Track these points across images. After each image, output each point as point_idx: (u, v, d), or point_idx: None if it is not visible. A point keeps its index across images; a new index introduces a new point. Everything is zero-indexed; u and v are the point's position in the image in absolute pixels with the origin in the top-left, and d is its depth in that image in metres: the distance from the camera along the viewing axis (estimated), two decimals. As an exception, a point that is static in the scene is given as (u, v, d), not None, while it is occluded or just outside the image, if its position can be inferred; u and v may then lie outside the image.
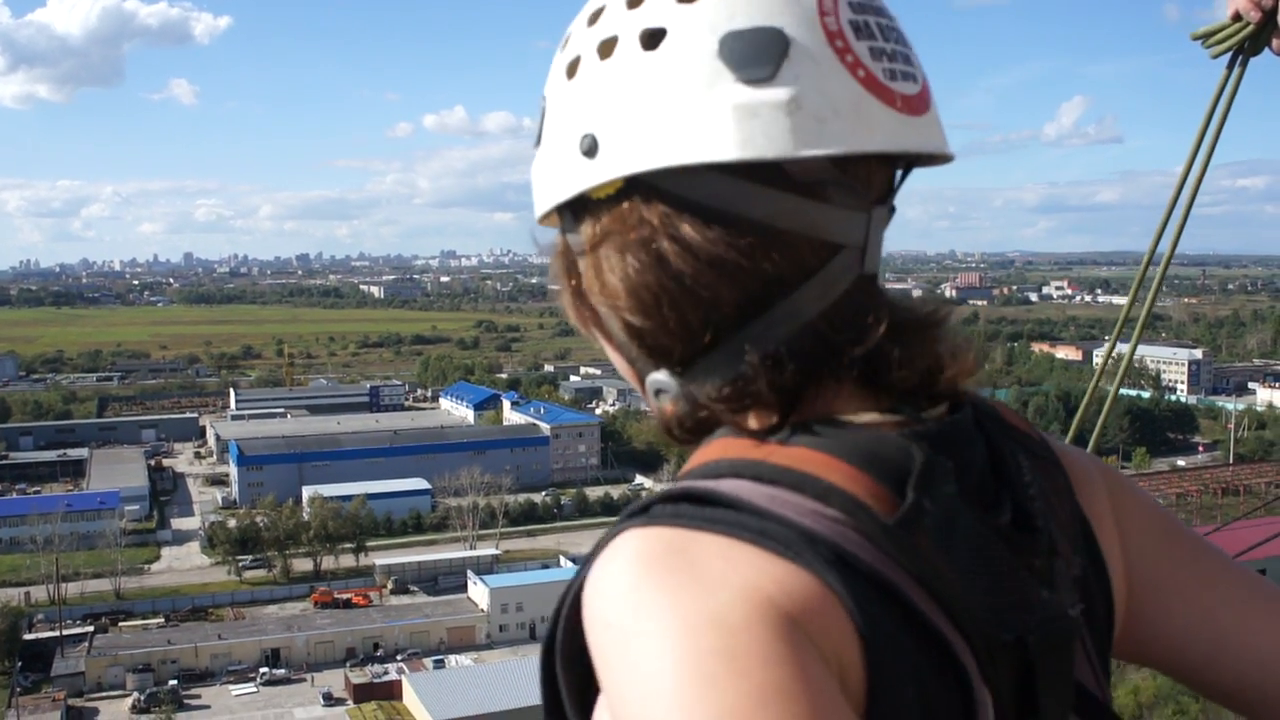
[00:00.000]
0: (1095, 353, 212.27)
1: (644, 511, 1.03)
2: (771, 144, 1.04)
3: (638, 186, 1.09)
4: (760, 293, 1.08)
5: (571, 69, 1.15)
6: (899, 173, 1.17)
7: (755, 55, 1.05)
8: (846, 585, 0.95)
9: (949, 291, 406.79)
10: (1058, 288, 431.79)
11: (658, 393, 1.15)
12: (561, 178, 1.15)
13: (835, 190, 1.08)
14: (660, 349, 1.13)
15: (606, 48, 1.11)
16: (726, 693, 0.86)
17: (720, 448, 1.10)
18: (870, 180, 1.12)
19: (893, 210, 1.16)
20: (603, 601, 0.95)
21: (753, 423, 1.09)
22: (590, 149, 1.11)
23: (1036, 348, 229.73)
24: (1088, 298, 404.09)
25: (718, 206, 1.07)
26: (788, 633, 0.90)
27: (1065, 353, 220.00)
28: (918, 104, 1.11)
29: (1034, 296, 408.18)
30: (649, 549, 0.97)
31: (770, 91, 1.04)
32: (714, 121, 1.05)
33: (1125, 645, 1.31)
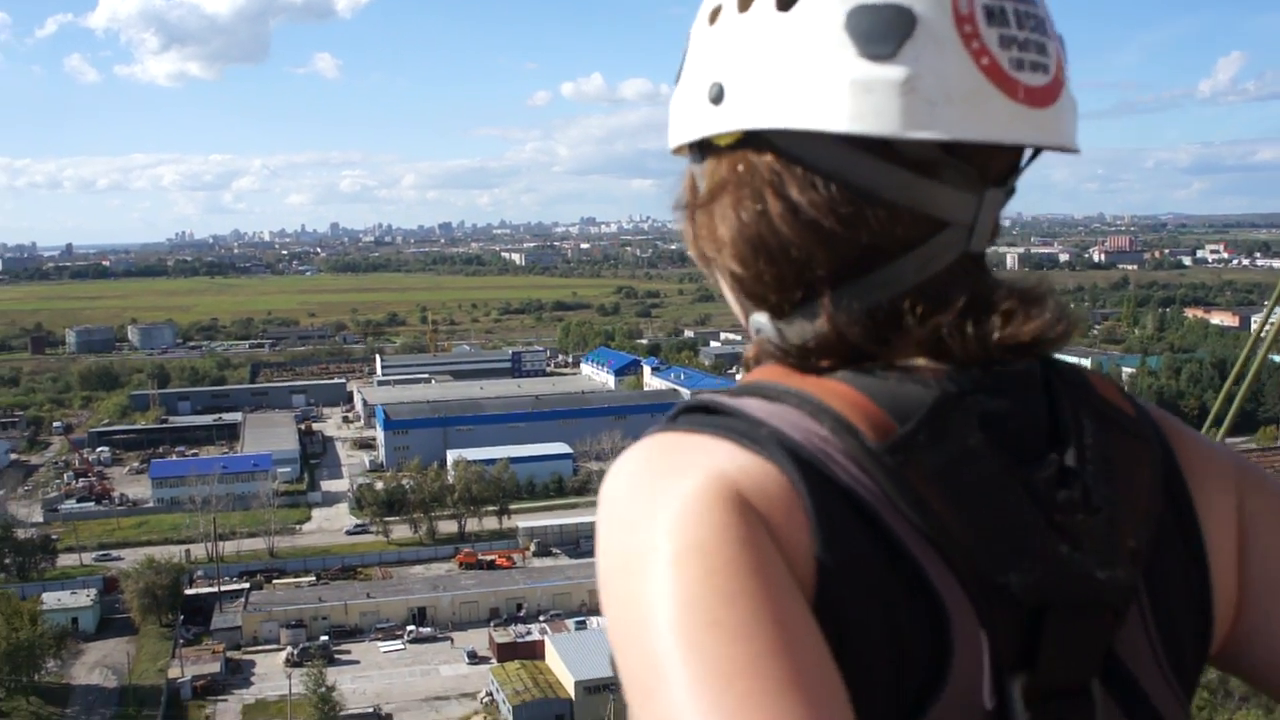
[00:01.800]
0: (1253, 319, 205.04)
1: (671, 419, 1.12)
2: (880, 122, 1.07)
3: (754, 140, 1.14)
4: (855, 258, 1.12)
5: (714, 15, 1.19)
6: (1027, 155, 1.19)
7: (880, 31, 1.07)
8: (812, 488, 1.02)
9: (1097, 255, 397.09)
10: (1213, 251, 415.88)
11: (757, 331, 1.21)
12: (691, 118, 1.20)
13: (946, 169, 1.11)
14: (757, 296, 1.20)
15: (745, 1, 1.15)
16: (676, 545, 0.97)
17: (760, 373, 1.18)
18: (988, 163, 1.13)
19: (1011, 193, 1.18)
20: (606, 488, 1.07)
21: (825, 364, 1.14)
22: (717, 97, 1.15)
23: (1190, 313, 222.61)
24: (1245, 261, 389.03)
25: (825, 171, 1.10)
26: (738, 508, 0.99)
27: (1221, 318, 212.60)
28: (1043, 96, 1.12)
29: (1188, 260, 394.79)
30: (651, 446, 1.08)
31: (888, 69, 1.07)
32: (831, 92, 1.08)
33: (1228, 653, 1.26)
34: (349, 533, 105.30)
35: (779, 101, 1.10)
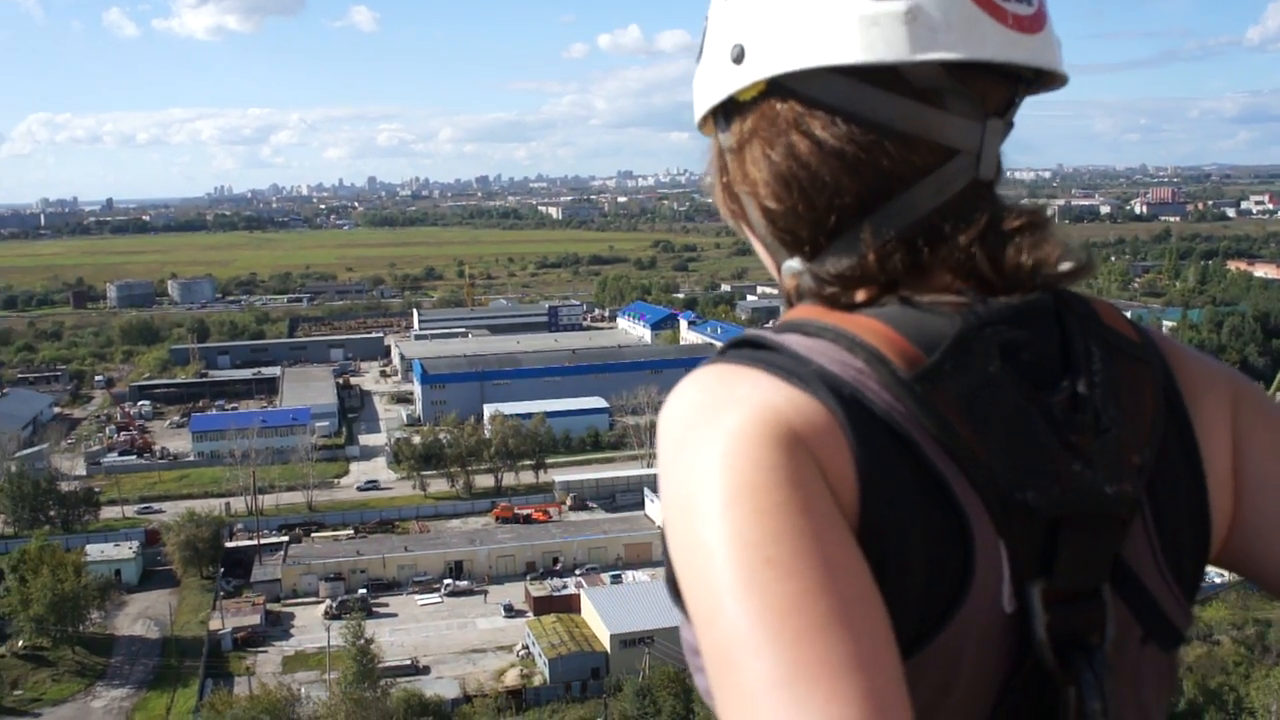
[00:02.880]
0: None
1: (721, 353, 1.22)
2: (889, 49, 1.19)
3: (777, 89, 1.26)
4: (878, 186, 1.23)
5: None
6: (1019, 93, 1.30)
7: None
8: (851, 419, 1.12)
9: (1139, 208, 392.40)
10: (1258, 202, 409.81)
11: (790, 273, 1.31)
12: (714, 83, 1.32)
13: (952, 99, 1.23)
14: (791, 234, 1.30)
15: None
16: (730, 486, 1.05)
17: (799, 311, 1.28)
18: (986, 94, 1.25)
19: (1010, 125, 1.28)
20: (664, 422, 1.17)
21: (860, 298, 1.25)
22: (739, 56, 1.27)
23: (1233, 265, 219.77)
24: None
25: (844, 107, 1.22)
26: (788, 444, 1.08)
27: (1265, 271, 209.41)
28: (1030, 23, 1.25)
29: (1231, 212, 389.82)
30: (705, 378, 1.17)
31: (891, 3, 1.20)
32: (842, 28, 1.20)
33: (1228, 555, 1.37)
34: (360, 489, 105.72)
35: (795, 46, 1.22)
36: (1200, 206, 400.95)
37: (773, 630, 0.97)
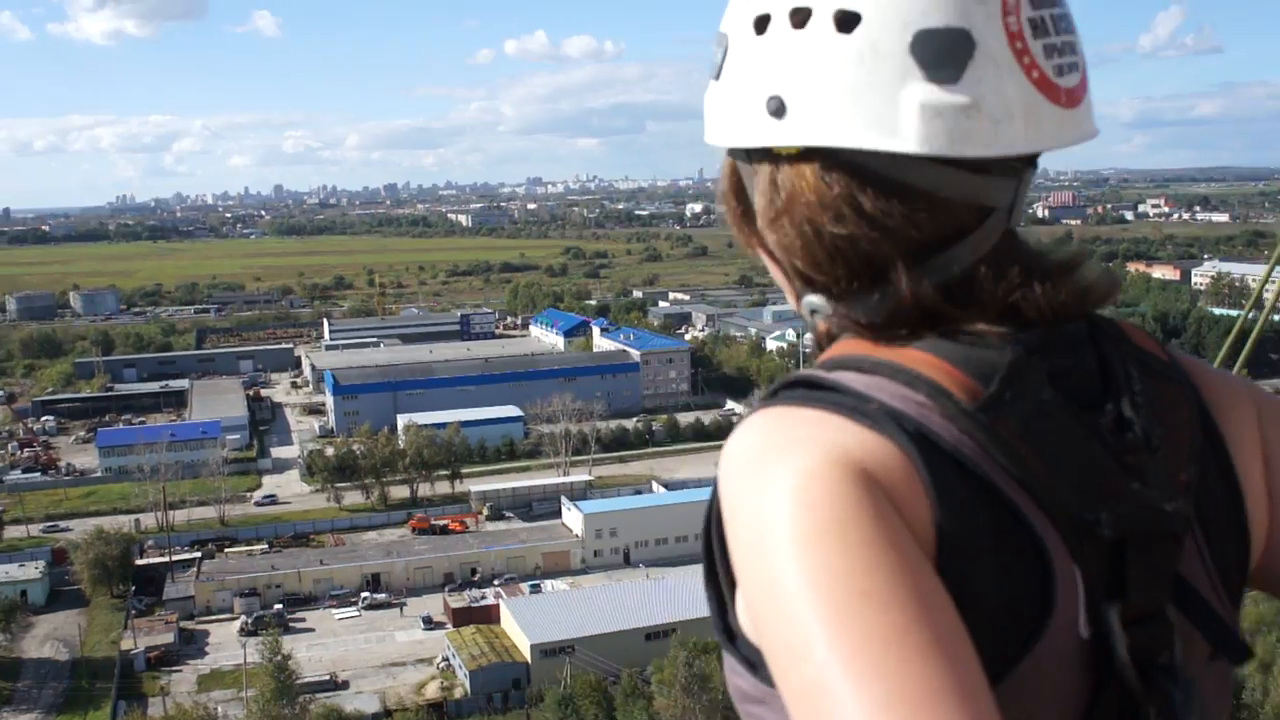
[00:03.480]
0: (1194, 272, 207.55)
1: (772, 395, 1.21)
2: (950, 144, 1.16)
3: (819, 152, 1.21)
4: (920, 250, 1.22)
5: (760, 25, 1.24)
6: None
7: (944, 56, 1.15)
8: (923, 456, 1.11)
9: (1041, 211, 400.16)
10: (1154, 205, 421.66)
11: (812, 312, 1.31)
12: (746, 127, 1.26)
13: (995, 164, 1.20)
14: (824, 288, 1.29)
15: (799, 17, 1.20)
16: (812, 523, 1.05)
17: (844, 347, 1.27)
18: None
19: (1036, 166, 1.28)
20: (726, 467, 1.14)
21: (900, 333, 1.24)
22: (778, 111, 1.21)
23: (1132, 267, 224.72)
24: (1186, 215, 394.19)
25: (892, 178, 1.19)
26: (864, 484, 1.07)
27: (1162, 272, 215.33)
28: (1077, 95, 1.22)
29: (1130, 215, 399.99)
30: (763, 423, 1.16)
31: (954, 95, 1.15)
32: (902, 116, 1.16)
33: (1263, 572, 1.37)
34: (257, 504, 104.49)
35: (849, 122, 1.17)
36: (1100, 210, 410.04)
37: (875, 661, 0.97)
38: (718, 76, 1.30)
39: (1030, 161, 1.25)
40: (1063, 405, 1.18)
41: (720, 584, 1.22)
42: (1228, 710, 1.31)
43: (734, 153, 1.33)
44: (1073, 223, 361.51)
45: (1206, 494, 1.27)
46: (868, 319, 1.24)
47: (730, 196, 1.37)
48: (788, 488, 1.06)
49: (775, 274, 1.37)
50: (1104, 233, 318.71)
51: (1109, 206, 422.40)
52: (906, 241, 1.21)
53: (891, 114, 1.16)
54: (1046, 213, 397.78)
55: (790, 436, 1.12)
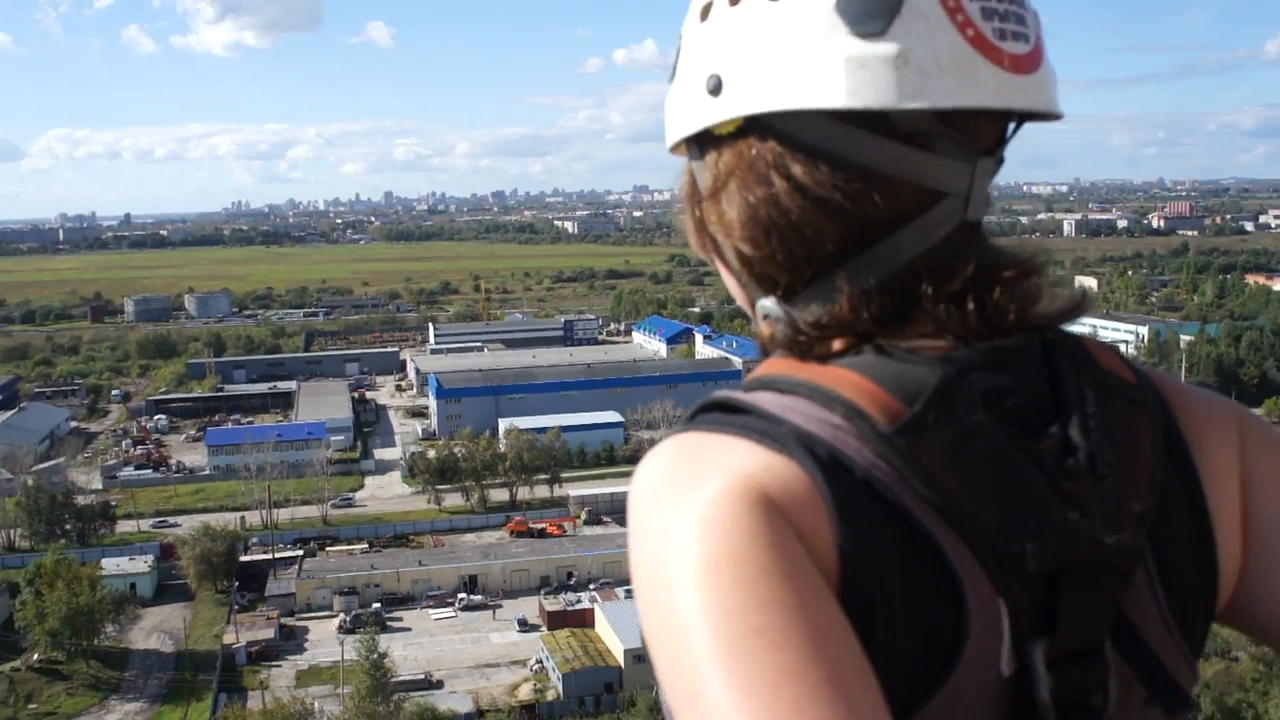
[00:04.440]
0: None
1: (689, 419, 1.15)
2: (877, 94, 1.11)
3: (756, 126, 1.18)
4: (861, 233, 1.16)
5: (705, 12, 1.23)
6: (1011, 126, 1.23)
7: (869, 11, 1.12)
8: (831, 481, 1.05)
9: (1156, 221, 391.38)
10: (1276, 216, 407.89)
11: (765, 316, 1.24)
12: (689, 113, 1.24)
13: (940, 140, 1.15)
14: (767, 278, 1.23)
15: None
16: (707, 555, 1.00)
17: (767, 365, 1.21)
18: (977, 133, 1.17)
19: (1001, 162, 1.22)
20: (633, 495, 1.10)
21: (836, 347, 1.17)
22: (715, 88, 1.19)
23: (1251, 279, 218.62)
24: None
25: (827, 149, 1.14)
26: (765, 512, 1.02)
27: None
28: (1026, 63, 1.16)
29: (1250, 226, 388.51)
30: (674, 449, 1.10)
31: (880, 46, 1.11)
32: (827, 70, 1.12)
33: (1236, 609, 1.28)
34: (335, 506, 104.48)
35: (777, 85, 1.14)
36: (1218, 220, 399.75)
37: (767, 703, 0.91)
38: (672, 77, 1.30)
39: (989, 151, 1.20)
40: (996, 428, 1.10)
41: None
42: None
43: (690, 154, 1.31)
44: (1190, 233, 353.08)
45: (1168, 526, 1.19)
46: (812, 319, 1.18)
47: (687, 201, 1.32)
48: (691, 519, 1.02)
49: (727, 279, 1.33)
50: (1222, 244, 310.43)
51: (1228, 217, 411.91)
52: (841, 216, 1.16)
53: (819, 72, 1.13)
54: (1162, 223, 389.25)
55: (697, 465, 1.07)
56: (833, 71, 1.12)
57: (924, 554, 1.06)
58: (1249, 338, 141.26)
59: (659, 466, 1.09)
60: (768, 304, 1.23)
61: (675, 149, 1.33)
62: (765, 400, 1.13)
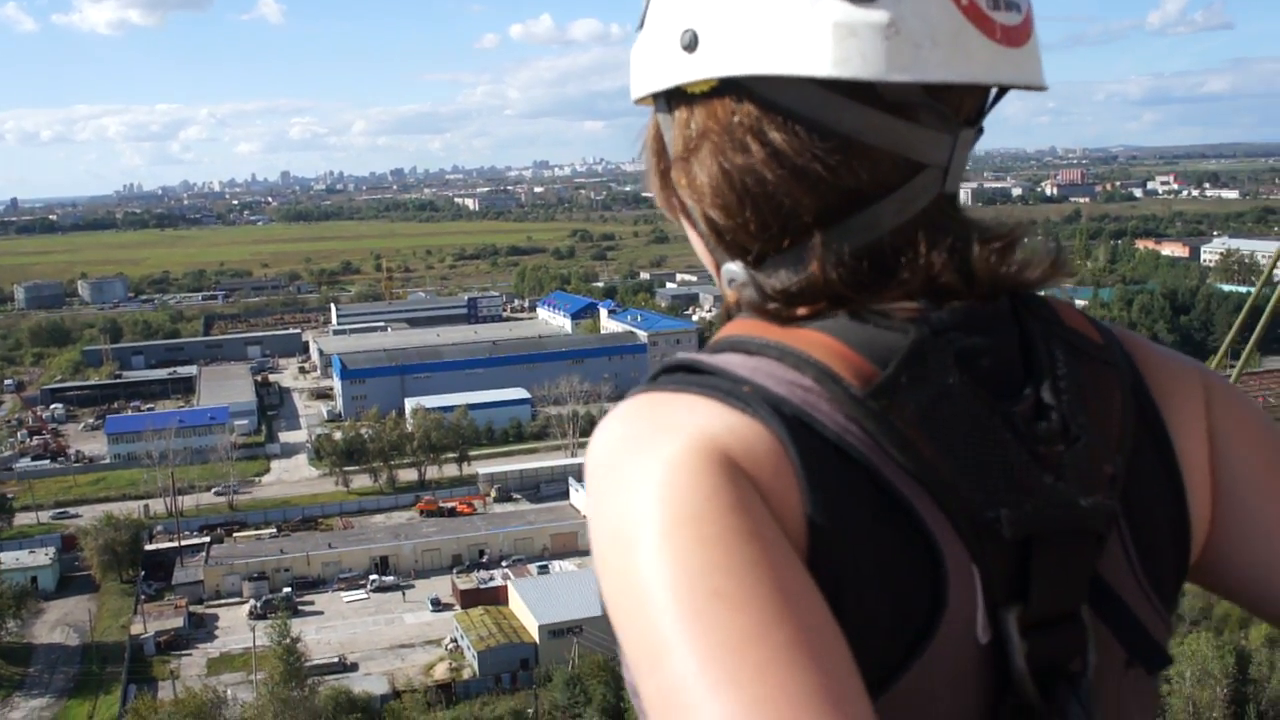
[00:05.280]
0: (1203, 249, 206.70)
1: (652, 379, 1.11)
2: (866, 65, 1.05)
3: (732, 87, 1.12)
4: (839, 203, 1.11)
5: None
6: (992, 95, 1.19)
7: None
8: (799, 443, 1.01)
9: (1050, 189, 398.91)
10: (1163, 183, 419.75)
11: (730, 281, 1.18)
12: (661, 67, 1.18)
13: (924, 111, 1.10)
14: (738, 245, 1.18)
15: None
16: (668, 517, 0.96)
17: (736, 326, 1.16)
18: (961, 104, 1.13)
19: (980, 131, 1.18)
20: (591, 454, 1.06)
21: (805, 312, 1.13)
22: (690, 44, 1.13)
23: (1141, 245, 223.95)
24: (1195, 192, 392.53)
25: (807, 115, 1.09)
26: (727, 472, 0.98)
27: (1171, 249, 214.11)
28: (1018, 35, 1.12)
29: (1138, 192, 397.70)
30: (633, 408, 1.07)
31: (871, 12, 1.05)
32: (813, 36, 1.06)
33: (1205, 565, 1.27)
34: (217, 493, 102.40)
35: (758, 47, 1.09)
36: (1108, 187, 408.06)
37: (730, 667, 0.87)
38: (640, 26, 1.23)
39: (970, 121, 1.15)
40: (971, 391, 1.07)
41: None
42: (1153, 715, 1.23)
43: (657, 107, 1.24)
44: (1081, 200, 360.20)
45: (1139, 487, 1.17)
46: (781, 287, 1.13)
47: (651, 155, 1.27)
48: (651, 480, 0.98)
49: (694, 240, 1.27)
50: (1113, 210, 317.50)
51: (1118, 184, 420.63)
52: (819, 186, 1.11)
53: (805, 37, 1.07)
54: (1055, 190, 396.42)
55: (658, 424, 1.03)
56: (819, 37, 1.06)
57: (898, 520, 1.03)
58: (1140, 301, 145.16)
59: (617, 427, 1.06)
60: (734, 268, 1.18)
61: (641, 100, 1.27)
62: (732, 361, 1.09)
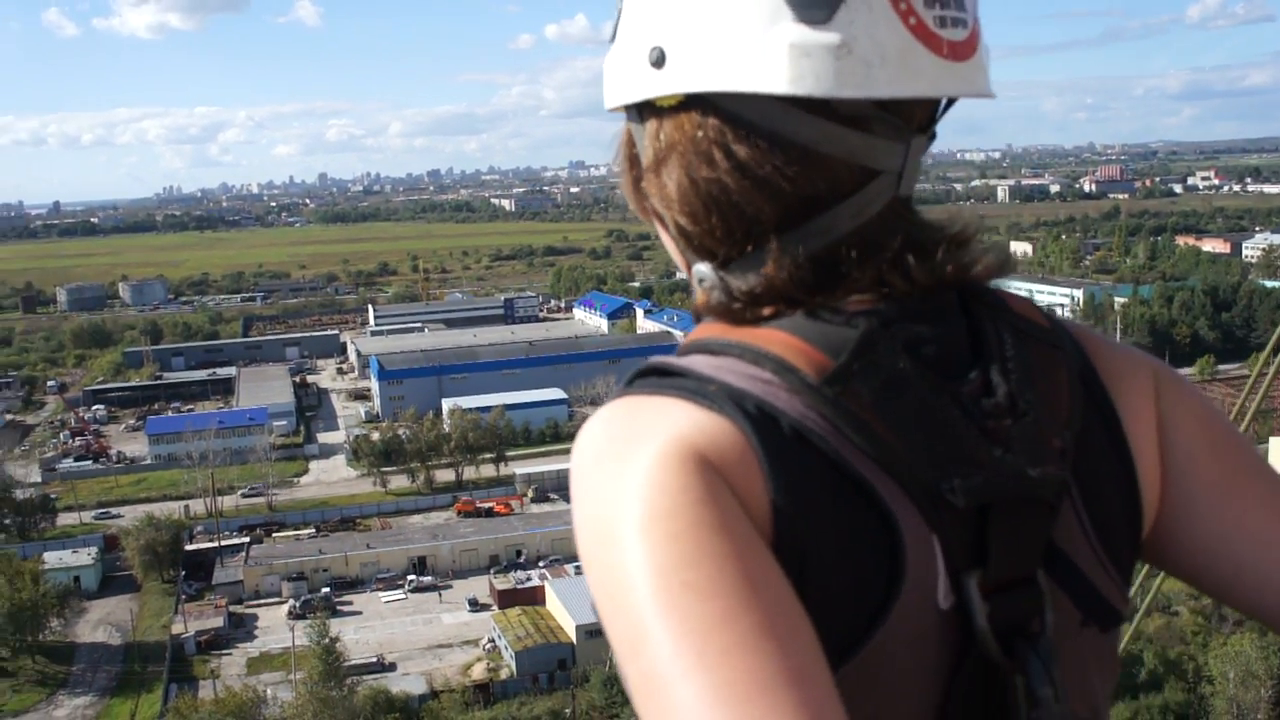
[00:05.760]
0: (1245, 244, 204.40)
1: (627, 384, 1.18)
2: (819, 83, 1.12)
3: (698, 101, 1.19)
4: (799, 209, 1.18)
5: None
6: (943, 104, 1.25)
7: None
8: (761, 434, 1.08)
9: (1088, 185, 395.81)
10: (1204, 178, 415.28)
11: (700, 281, 1.25)
12: (631, 81, 1.25)
13: (876, 123, 1.17)
14: (705, 249, 1.25)
15: None
16: (642, 514, 1.03)
17: (701, 330, 1.24)
18: (912, 113, 1.20)
19: (933, 137, 1.25)
20: (575, 460, 1.12)
21: (767, 313, 1.19)
22: (658, 60, 1.20)
23: (1181, 241, 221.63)
24: (1236, 188, 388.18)
25: (767, 128, 1.16)
26: (697, 469, 1.05)
27: (1212, 245, 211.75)
28: (964, 49, 1.18)
29: (1178, 188, 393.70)
30: (611, 414, 1.14)
31: (824, 34, 1.12)
32: (771, 56, 1.13)
33: (1156, 551, 1.34)
34: (244, 495, 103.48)
35: (721, 66, 1.15)
36: (1148, 183, 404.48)
37: (697, 652, 0.95)
38: (612, 39, 1.30)
39: (923, 129, 1.22)
40: (919, 374, 1.14)
41: None
42: (1113, 672, 1.30)
43: (628, 117, 1.32)
44: (1120, 197, 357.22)
45: (1090, 461, 1.24)
46: (745, 288, 1.20)
47: (624, 162, 1.35)
48: (629, 479, 1.05)
49: (666, 242, 1.35)
50: (1153, 206, 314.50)
51: (1157, 180, 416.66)
52: (779, 194, 1.17)
53: (763, 57, 1.13)
54: (1094, 187, 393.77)
55: (634, 428, 1.10)
56: (776, 57, 1.13)
57: (857, 498, 1.08)
58: (1180, 298, 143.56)
59: (597, 431, 1.12)
60: (703, 269, 1.25)
61: (613, 109, 1.34)
62: (698, 362, 1.15)
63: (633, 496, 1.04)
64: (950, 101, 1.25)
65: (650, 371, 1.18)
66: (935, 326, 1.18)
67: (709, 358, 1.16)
